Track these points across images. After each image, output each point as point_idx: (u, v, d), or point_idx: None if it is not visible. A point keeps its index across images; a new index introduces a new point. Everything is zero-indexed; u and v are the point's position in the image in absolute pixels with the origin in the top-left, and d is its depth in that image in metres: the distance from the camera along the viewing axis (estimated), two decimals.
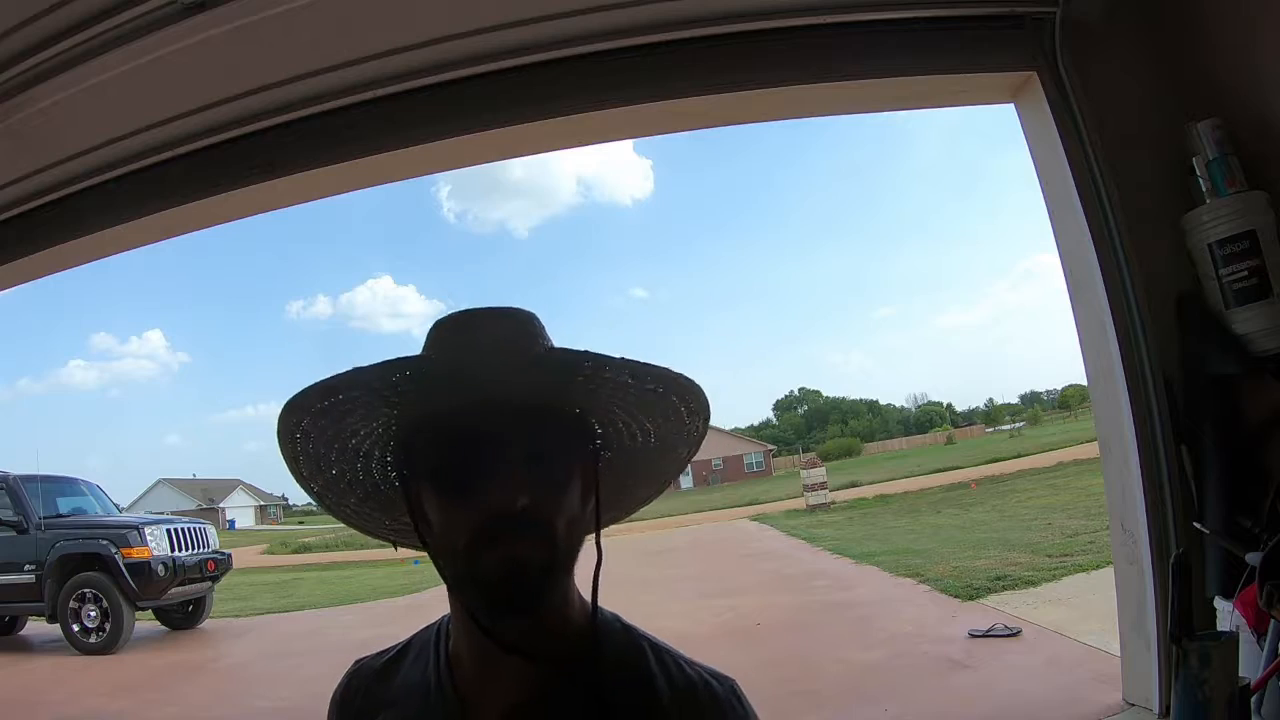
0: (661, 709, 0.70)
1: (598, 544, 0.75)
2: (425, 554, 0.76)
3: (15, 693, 6.40)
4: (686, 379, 0.73)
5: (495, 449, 0.68)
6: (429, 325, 0.74)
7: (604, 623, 0.75)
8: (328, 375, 0.69)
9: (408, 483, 0.74)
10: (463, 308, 0.74)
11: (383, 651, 0.83)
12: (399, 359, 0.68)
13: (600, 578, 0.73)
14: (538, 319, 0.74)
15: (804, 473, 20.15)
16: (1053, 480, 14.98)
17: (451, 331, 0.72)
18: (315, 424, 0.72)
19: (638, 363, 0.70)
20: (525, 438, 0.69)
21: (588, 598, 0.75)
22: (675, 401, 0.74)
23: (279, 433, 0.72)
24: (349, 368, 0.68)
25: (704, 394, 0.75)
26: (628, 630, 0.77)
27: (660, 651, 0.75)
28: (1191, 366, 2.29)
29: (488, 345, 0.70)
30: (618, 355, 0.69)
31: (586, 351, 0.70)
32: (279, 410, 0.71)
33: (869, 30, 2.49)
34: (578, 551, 0.73)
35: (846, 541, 11.59)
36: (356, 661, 0.85)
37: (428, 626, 0.82)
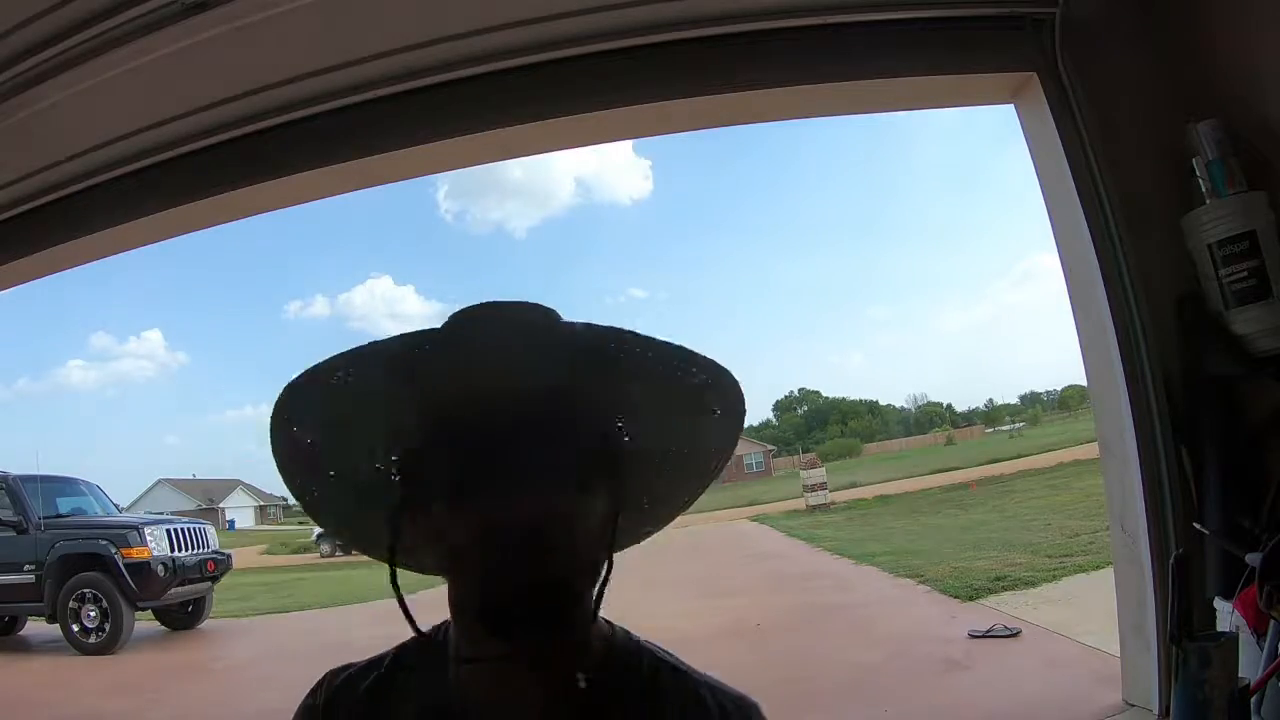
0: None
1: (609, 559, 0.68)
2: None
3: (15, 693, 6.40)
4: (728, 377, 0.68)
5: (514, 447, 0.61)
6: (427, 325, 0.72)
7: (621, 642, 0.71)
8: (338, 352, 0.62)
9: (413, 487, 0.67)
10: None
11: (365, 668, 0.74)
12: (420, 331, 0.62)
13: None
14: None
15: (804, 473, 20.18)
16: (1053, 480, 14.98)
17: (472, 315, 0.64)
18: (316, 410, 0.65)
19: (676, 346, 0.64)
20: (548, 435, 0.62)
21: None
22: (710, 399, 0.69)
23: (274, 419, 0.66)
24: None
25: (741, 396, 0.70)
26: (642, 649, 0.72)
27: (681, 675, 0.70)
28: (1191, 367, 2.29)
29: (515, 325, 0.62)
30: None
31: (619, 329, 0.63)
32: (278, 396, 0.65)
33: (869, 30, 2.49)
34: (600, 567, 0.67)
35: (846, 542, 11.59)
36: (334, 675, 0.75)
37: (414, 639, 0.74)
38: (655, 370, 0.66)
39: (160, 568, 7.88)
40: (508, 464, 0.61)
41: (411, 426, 0.66)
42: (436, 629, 0.73)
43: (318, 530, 22.62)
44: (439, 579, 0.77)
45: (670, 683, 0.69)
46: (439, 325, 0.64)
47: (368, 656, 0.75)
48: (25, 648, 8.43)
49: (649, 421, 0.70)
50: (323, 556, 20.49)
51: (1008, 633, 4.92)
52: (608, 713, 0.67)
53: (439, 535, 0.64)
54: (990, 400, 62.13)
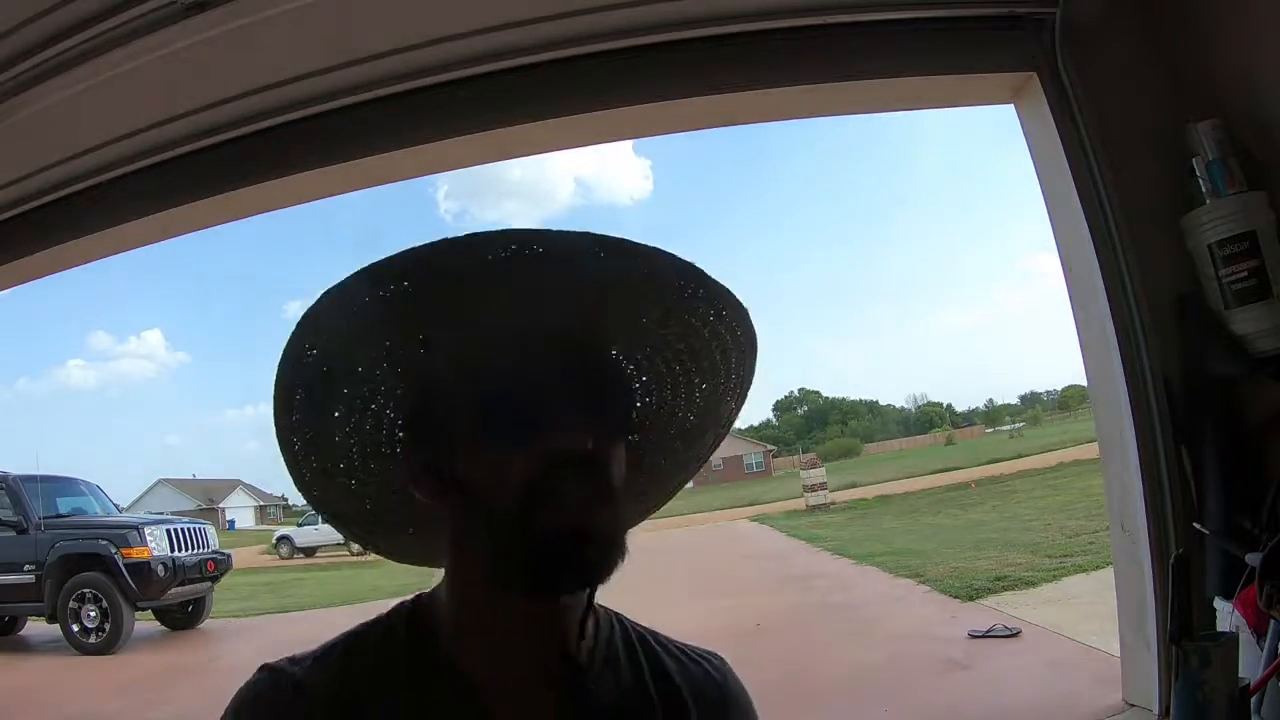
0: (681, 696, 0.70)
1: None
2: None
3: (15, 693, 6.40)
4: (753, 334, 0.70)
5: (561, 372, 0.58)
6: None
7: (604, 615, 0.74)
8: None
9: (434, 423, 0.62)
10: None
11: (315, 664, 0.70)
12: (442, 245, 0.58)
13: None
14: None
15: (804, 473, 20.19)
16: (1053, 481, 15.00)
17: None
18: (340, 333, 0.59)
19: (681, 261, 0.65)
20: (592, 366, 0.61)
21: None
22: (733, 362, 0.70)
23: (289, 350, 0.60)
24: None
25: (754, 368, 0.72)
26: (623, 621, 0.75)
27: (660, 640, 0.75)
28: (1191, 367, 2.28)
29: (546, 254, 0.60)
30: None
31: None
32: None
33: (868, 30, 2.49)
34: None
35: (846, 542, 11.61)
36: (288, 662, 0.70)
37: (368, 629, 0.73)
38: (696, 308, 0.66)
39: (160, 568, 7.89)
40: (553, 399, 0.58)
41: (433, 358, 0.61)
42: (399, 610, 0.72)
43: (279, 533, 22.61)
44: (428, 582, 0.78)
45: (656, 648, 0.73)
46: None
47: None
48: (25, 648, 8.44)
49: (669, 388, 0.71)
50: (281, 558, 20.40)
51: (1008, 633, 4.93)
52: (609, 680, 0.68)
53: (459, 490, 0.61)
54: (990, 400, 62.27)
